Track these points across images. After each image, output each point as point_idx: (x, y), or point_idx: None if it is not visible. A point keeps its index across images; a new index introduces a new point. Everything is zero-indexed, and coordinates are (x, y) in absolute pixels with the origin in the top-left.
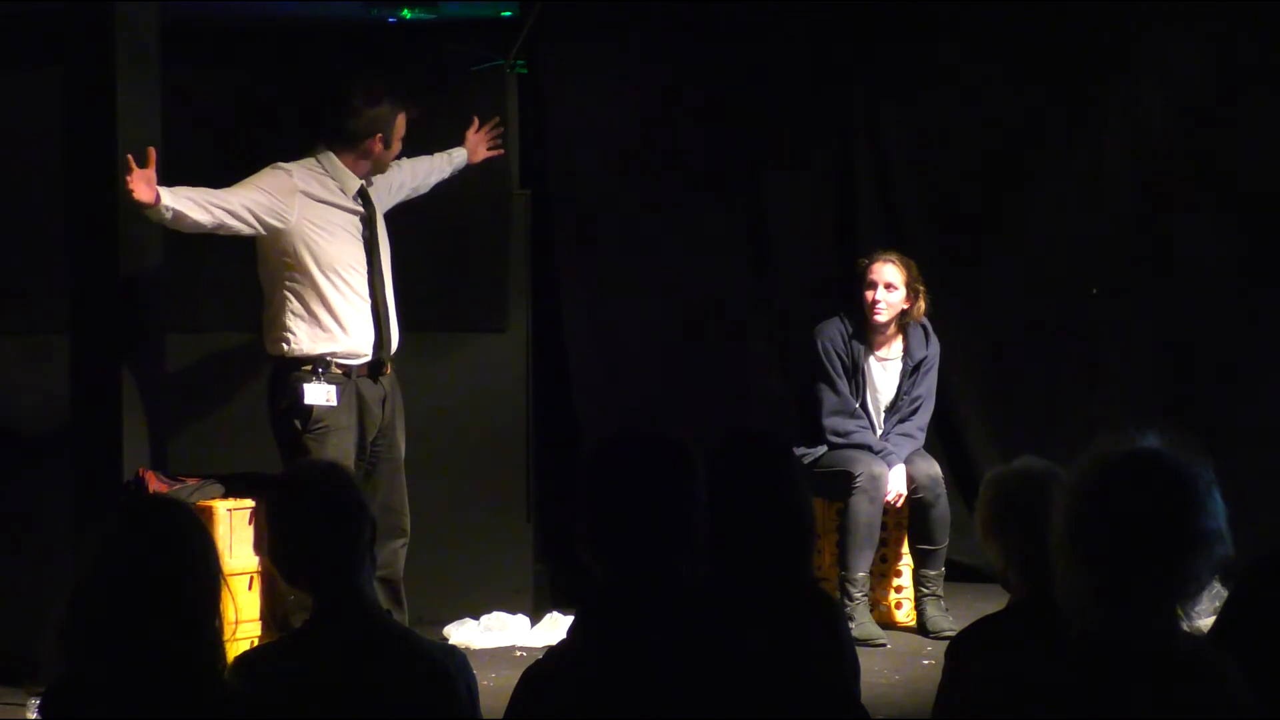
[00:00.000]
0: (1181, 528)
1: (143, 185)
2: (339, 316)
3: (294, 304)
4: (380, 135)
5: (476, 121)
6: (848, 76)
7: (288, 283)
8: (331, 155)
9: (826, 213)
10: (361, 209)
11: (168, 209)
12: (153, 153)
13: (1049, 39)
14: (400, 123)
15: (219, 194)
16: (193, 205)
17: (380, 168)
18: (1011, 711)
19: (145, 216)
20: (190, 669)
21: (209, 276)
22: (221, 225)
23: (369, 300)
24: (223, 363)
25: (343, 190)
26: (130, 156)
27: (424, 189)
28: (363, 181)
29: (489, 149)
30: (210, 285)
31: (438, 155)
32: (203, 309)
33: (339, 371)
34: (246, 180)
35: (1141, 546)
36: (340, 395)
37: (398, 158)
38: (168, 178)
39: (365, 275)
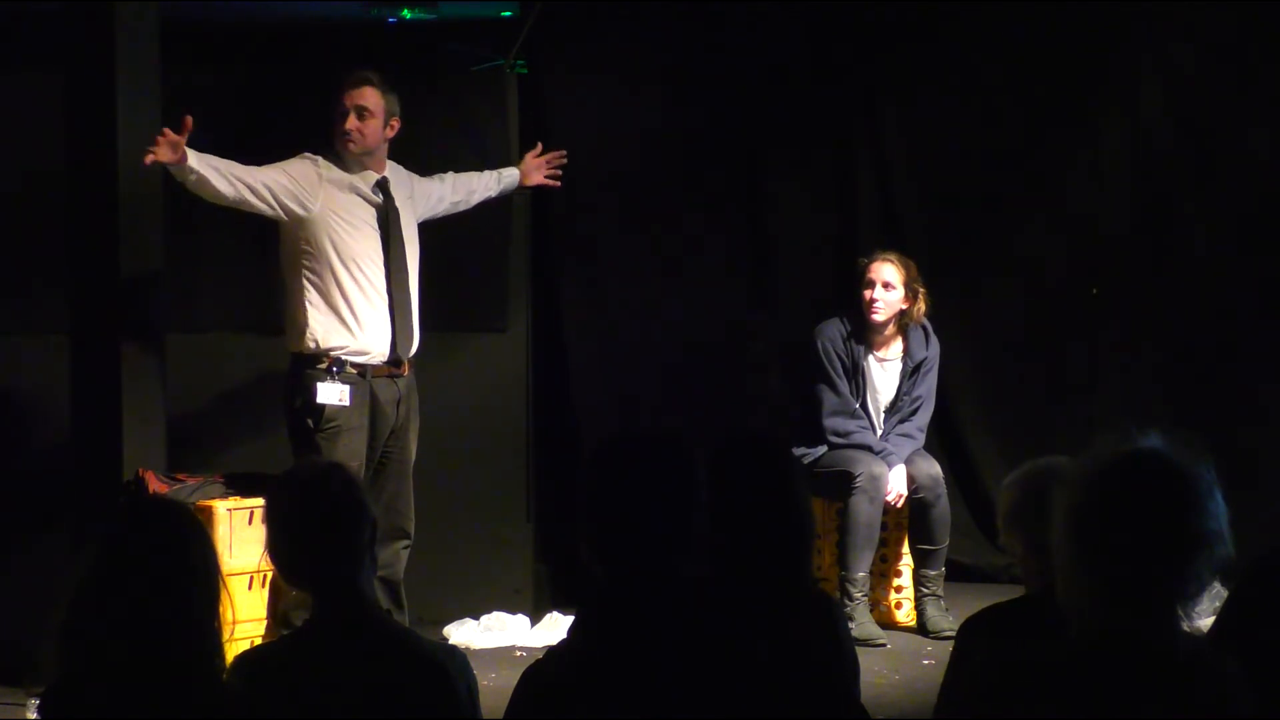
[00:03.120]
0: (1182, 528)
1: (166, 149)
2: (356, 311)
3: (311, 294)
4: (332, 114)
5: (540, 146)
6: (848, 76)
7: (306, 274)
8: (340, 151)
9: (826, 213)
10: (379, 201)
11: (192, 171)
12: (189, 121)
13: (1049, 39)
14: (343, 97)
15: (245, 170)
16: (217, 175)
17: (359, 148)
18: (1014, 697)
19: (170, 174)
20: (190, 669)
21: (209, 276)
22: (243, 200)
23: (386, 297)
24: (223, 363)
25: (362, 182)
26: (166, 129)
27: (466, 205)
28: (382, 175)
29: (547, 176)
30: (210, 285)
31: (487, 173)
32: (203, 309)
33: (353, 371)
34: (275, 164)
35: (1141, 547)
36: (354, 395)
37: (445, 171)
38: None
39: (383, 270)
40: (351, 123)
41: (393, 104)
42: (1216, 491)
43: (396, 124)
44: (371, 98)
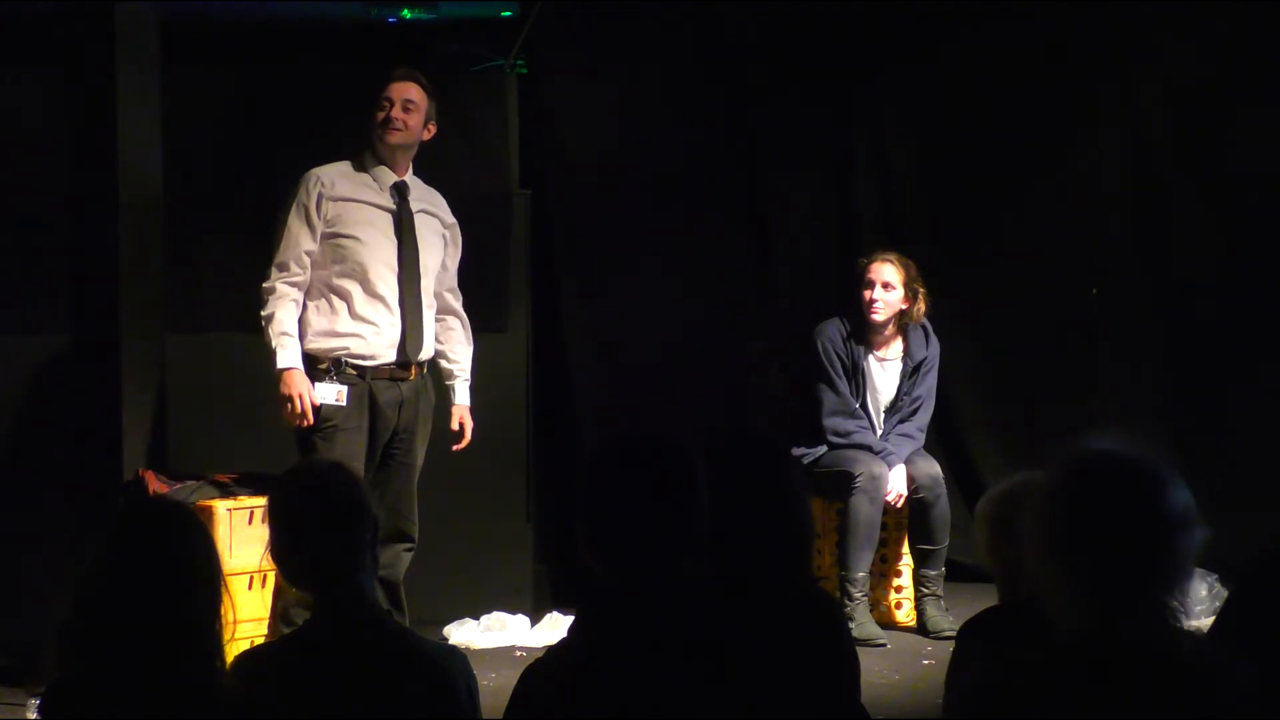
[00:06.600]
0: (1147, 511)
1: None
2: (359, 314)
3: (316, 299)
4: (373, 108)
5: (466, 439)
6: (848, 77)
7: (314, 279)
8: (366, 154)
9: (827, 213)
10: (394, 207)
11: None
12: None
13: (1049, 40)
14: (389, 89)
15: (295, 302)
16: (296, 334)
17: (402, 140)
18: (1015, 699)
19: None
20: (190, 669)
21: (209, 276)
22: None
23: (397, 302)
24: (223, 363)
25: (377, 187)
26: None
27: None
28: (401, 179)
29: (458, 443)
30: (210, 285)
31: (464, 360)
32: (203, 309)
33: (352, 372)
34: (290, 219)
35: (1112, 537)
36: (351, 396)
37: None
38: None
39: (395, 275)
40: (397, 112)
41: (433, 109)
42: (1177, 477)
43: (433, 128)
44: (418, 94)
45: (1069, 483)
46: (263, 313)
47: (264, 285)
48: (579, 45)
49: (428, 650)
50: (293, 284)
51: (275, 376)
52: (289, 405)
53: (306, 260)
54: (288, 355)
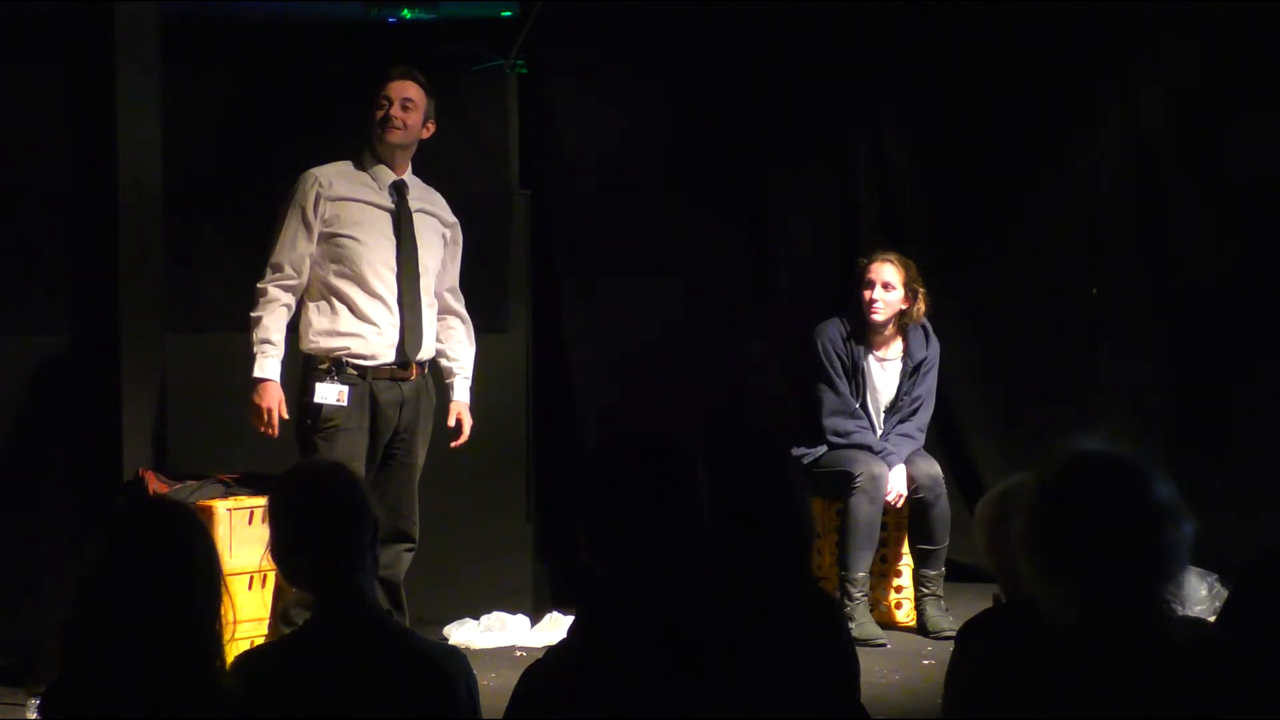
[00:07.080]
0: (1138, 505)
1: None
2: (360, 314)
3: (317, 300)
4: (372, 107)
5: (464, 436)
6: (848, 77)
7: (313, 279)
8: (365, 153)
9: (826, 213)
10: (393, 206)
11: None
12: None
13: (1049, 40)
14: (387, 88)
15: (284, 309)
16: (282, 341)
17: (401, 139)
18: (1015, 697)
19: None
20: (190, 669)
21: (209, 276)
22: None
23: (396, 301)
24: (223, 363)
25: (375, 187)
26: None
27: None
28: (400, 178)
29: (455, 439)
30: (210, 285)
31: (464, 359)
32: (203, 309)
33: (353, 372)
34: (287, 219)
35: (1101, 531)
36: (352, 396)
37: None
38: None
39: (394, 275)
40: (396, 111)
41: (431, 107)
42: (1161, 472)
43: (432, 126)
44: (416, 92)
45: (1054, 484)
46: (251, 314)
47: (257, 286)
48: (579, 45)
49: (428, 650)
50: (285, 287)
51: (250, 383)
52: (259, 416)
53: (302, 261)
54: (266, 366)
